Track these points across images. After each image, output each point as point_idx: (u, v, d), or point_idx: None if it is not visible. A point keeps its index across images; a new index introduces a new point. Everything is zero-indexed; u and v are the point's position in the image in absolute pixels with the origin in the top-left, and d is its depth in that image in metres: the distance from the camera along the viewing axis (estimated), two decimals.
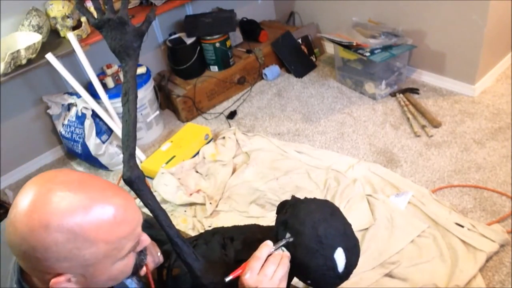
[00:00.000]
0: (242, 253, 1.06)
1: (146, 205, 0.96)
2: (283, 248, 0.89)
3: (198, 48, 2.73)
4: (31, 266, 0.71)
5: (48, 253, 0.67)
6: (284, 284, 0.86)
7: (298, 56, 3.02)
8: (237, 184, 2.08)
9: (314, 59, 3.09)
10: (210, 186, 2.11)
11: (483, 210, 1.75)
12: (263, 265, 0.85)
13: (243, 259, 0.90)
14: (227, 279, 0.87)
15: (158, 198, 2.11)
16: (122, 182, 2.19)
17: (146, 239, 0.82)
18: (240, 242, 1.11)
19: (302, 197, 0.99)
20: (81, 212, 0.68)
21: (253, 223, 1.43)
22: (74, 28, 2.20)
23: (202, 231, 1.87)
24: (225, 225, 1.40)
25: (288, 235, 0.90)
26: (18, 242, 0.67)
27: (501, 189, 1.82)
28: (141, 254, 0.84)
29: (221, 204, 2.01)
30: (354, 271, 0.94)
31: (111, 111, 2.26)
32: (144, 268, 0.91)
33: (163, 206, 2.04)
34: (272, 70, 2.97)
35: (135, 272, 0.83)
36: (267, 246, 0.88)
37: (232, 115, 2.69)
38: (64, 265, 0.69)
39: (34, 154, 2.54)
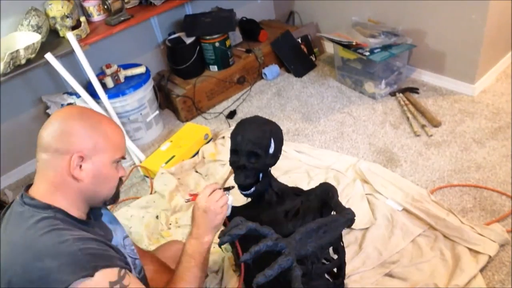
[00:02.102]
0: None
1: None
2: (227, 193, 1.20)
3: (198, 47, 2.73)
4: (61, 147, 0.97)
5: (79, 131, 0.99)
6: (223, 213, 1.16)
7: (298, 55, 3.02)
8: None
9: (313, 59, 3.08)
10: None
11: (483, 209, 1.75)
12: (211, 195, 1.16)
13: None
14: (185, 199, 1.26)
15: (157, 197, 2.11)
16: None
17: (123, 170, 1.10)
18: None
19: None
20: (101, 117, 1.05)
21: None
22: (73, 28, 2.19)
23: None
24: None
25: (232, 185, 1.27)
26: (61, 125, 1.00)
27: (501, 188, 1.82)
28: (120, 183, 1.10)
29: None
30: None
31: (111, 111, 2.26)
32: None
33: (164, 205, 2.04)
34: (272, 69, 2.96)
35: (115, 197, 1.10)
36: (216, 183, 1.21)
37: (231, 114, 2.69)
38: (84, 144, 0.98)
39: (34, 154, 2.51)
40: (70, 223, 0.96)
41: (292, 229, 1.24)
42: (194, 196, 1.19)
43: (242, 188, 1.31)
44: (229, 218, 1.19)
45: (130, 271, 1.00)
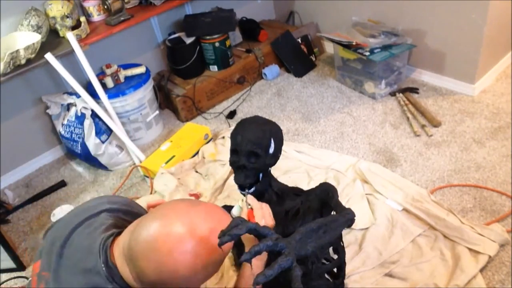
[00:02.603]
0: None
1: None
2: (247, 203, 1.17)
3: (198, 47, 2.73)
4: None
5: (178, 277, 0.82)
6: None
7: (298, 55, 3.02)
8: None
9: (313, 59, 3.08)
10: (209, 186, 2.11)
11: (483, 209, 1.75)
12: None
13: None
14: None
15: (157, 197, 2.11)
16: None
17: None
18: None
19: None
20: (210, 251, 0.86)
21: None
22: (73, 28, 2.19)
23: None
24: None
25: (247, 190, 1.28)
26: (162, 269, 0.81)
27: (501, 188, 1.82)
28: None
29: (219, 202, 2.01)
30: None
31: (111, 111, 2.26)
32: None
33: None
34: (272, 69, 2.96)
35: None
36: (250, 198, 1.15)
37: (231, 114, 2.69)
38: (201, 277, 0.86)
39: (34, 154, 2.54)
40: None
41: (293, 229, 1.24)
42: (195, 195, 1.18)
43: (242, 188, 1.30)
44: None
45: None
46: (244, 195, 1.30)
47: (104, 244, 0.90)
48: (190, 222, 0.83)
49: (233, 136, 1.28)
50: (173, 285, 0.83)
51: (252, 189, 1.30)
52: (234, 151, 1.28)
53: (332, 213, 1.26)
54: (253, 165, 1.26)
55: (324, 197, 1.31)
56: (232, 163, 1.29)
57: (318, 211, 1.31)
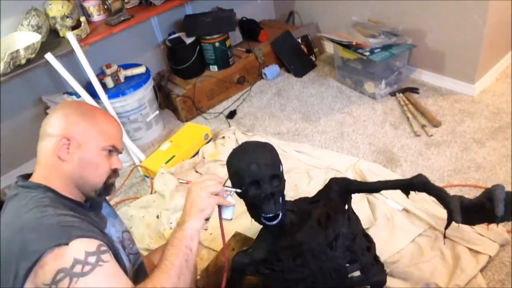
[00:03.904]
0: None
1: None
2: (231, 193, 1.14)
3: (198, 47, 2.73)
4: (51, 132, 1.05)
5: (69, 119, 1.05)
6: (213, 201, 1.06)
7: (298, 55, 3.02)
8: None
9: (313, 59, 3.08)
10: None
11: None
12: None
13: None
14: (180, 181, 1.26)
15: (157, 197, 2.11)
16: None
17: (119, 162, 1.10)
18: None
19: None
20: (95, 108, 1.14)
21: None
22: (73, 28, 2.19)
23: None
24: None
25: (238, 190, 1.16)
26: (53, 115, 1.08)
27: None
28: (115, 174, 1.10)
29: None
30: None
31: (111, 111, 2.26)
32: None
33: (164, 205, 2.04)
34: (272, 69, 2.96)
35: (107, 190, 1.09)
36: (220, 178, 1.12)
37: (231, 114, 2.69)
38: (74, 128, 1.04)
39: (34, 154, 2.49)
40: (60, 202, 0.98)
41: (333, 233, 1.22)
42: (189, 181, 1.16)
43: (271, 218, 1.19)
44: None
45: (117, 255, 0.99)
46: (271, 227, 1.21)
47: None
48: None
49: (245, 169, 1.15)
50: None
51: (280, 216, 1.20)
52: (252, 183, 1.15)
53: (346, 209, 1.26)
54: (279, 188, 1.18)
55: (346, 188, 1.30)
56: (255, 196, 1.16)
57: (343, 205, 1.31)
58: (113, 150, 1.08)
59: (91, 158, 1.04)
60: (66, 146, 1.03)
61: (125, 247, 1.14)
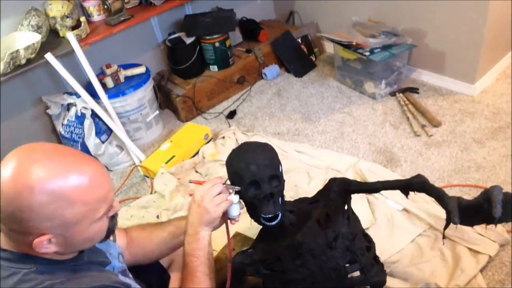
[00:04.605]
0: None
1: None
2: (231, 191, 1.14)
3: (198, 47, 2.73)
4: (16, 228, 0.78)
5: (33, 213, 0.76)
6: (219, 211, 1.08)
7: (298, 55, 3.02)
8: None
9: (313, 59, 3.08)
10: None
11: None
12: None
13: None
14: (189, 180, 1.22)
15: (157, 197, 2.11)
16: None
17: (117, 205, 0.93)
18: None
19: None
20: (61, 176, 0.78)
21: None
22: (73, 28, 2.19)
23: None
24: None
25: (238, 188, 1.15)
26: (5, 205, 0.75)
27: None
28: (113, 219, 0.94)
29: None
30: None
31: (111, 111, 2.26)
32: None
33: (164, 205, 2.04)
34: (272, 69, 2.96)
35: (108, 235, 0.94)
36: (220, 177, 1.14)
37: (231, 114, 2.69)
38: (47, 225, 0.78)
39: None
40: (55, 269, 0.84)
41: (333, 233, 1.22)
42: (197, 182, 1.16)
43: (270, 219, 1.19)
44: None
45: None
46: (270, 227, 1.21)
47: None
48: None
49: (244, 169, 1.15)
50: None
51: (280, 216, 1.19)
52: (252, 183, 1.16)
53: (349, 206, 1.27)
54: (278, 189, 1.18)
55: (345, 188, 1.30)
56: (254, 196, 1.16)
57: (343, 205, 1.31)
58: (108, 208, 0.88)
59: (84, 237, 0.85)
60: (46, 242, 0.79)
61: (127, 274, 1.05)
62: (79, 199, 0.80)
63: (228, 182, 1.20)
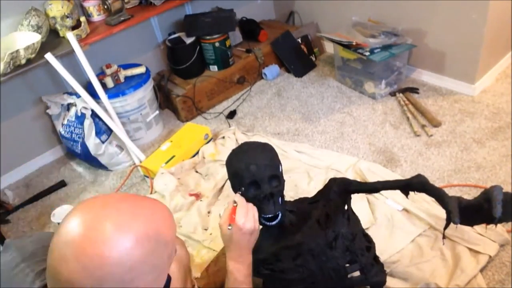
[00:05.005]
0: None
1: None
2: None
3: (198, 47, 2.73)
4: None
5: (136, 269, 0.64)
6: (257, 221, 1.13)
7: (298, 55, 3.02)
8: None
9: (313, 59, 3.08)
10: (209, 186, 2.11)
11: None
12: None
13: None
14: (229, 227, 1.10)
15: (157, 197, 2.11)
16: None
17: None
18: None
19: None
20: (147, 220, 0.68)
21: None
22: (73, 28, 2.19)
23: (200, 230, 1.87)
24: None
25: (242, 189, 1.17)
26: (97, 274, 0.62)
27: None
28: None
29: (220, 202, 2.01)
30: None
31: (111, 111, 2.26)
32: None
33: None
34: (272, 69, 2.96)
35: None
36: (238, 196, 1.15)
37: (231, 114, 2.69)
38: (149, 278, 0.67)
39: (34, 154, 2.54)
40: None
41: (333, 233, 1.22)
42: (231, 218, 1.11)
43: (270, 219, 1.20)
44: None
45: None
46: (270, 227, 1.22)
47: None
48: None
49: (244, 169, 1.16)
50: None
51: (280, 216, 1.21)
52: (252, 184, 1.16)
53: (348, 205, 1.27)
54: (278, 189, 1.19)
55: (345, 188, 1.30)
56: (254, 197, 1.16)
57: (343, 205, 1.31)
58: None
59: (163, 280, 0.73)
60: None
61: None
62: (169, 235, 0.71)
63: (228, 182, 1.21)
